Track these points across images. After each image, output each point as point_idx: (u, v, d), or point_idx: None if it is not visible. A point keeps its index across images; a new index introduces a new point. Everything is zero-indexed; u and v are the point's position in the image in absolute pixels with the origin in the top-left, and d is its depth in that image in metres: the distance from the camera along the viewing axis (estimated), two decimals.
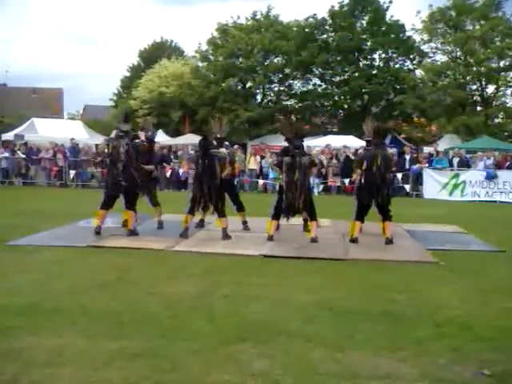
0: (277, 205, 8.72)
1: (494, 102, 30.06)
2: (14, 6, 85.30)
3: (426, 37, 30.71)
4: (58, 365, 3.61)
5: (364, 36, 32.16)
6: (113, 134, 9.03)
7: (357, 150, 19.85)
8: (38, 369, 3.54)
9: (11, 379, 3.39)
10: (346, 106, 33.48)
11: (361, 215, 8.75)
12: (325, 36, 32.82)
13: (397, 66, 32.58)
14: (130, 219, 8.92)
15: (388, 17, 32.25)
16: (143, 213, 10.15)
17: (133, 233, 8.79)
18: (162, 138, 27.05)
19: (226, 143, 9.85)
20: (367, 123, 9.53)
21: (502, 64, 29.25)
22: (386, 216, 8.63)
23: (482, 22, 28.96)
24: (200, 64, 34.99)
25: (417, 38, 31.42)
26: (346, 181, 18.82)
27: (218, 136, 9.41)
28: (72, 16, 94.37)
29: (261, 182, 20.53)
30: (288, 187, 8.46)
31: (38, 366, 3.58)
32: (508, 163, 19.34)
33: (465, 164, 19.54)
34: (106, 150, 9.33)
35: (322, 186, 19.50)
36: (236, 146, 17.35)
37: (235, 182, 10.97)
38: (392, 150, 19.19)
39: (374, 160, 8.50)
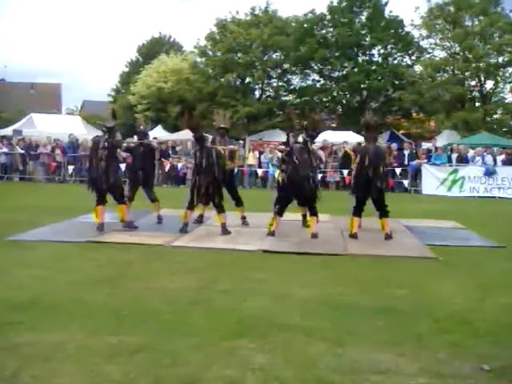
0: (277, 201, 8.73)
1: (493, 98, 30.08)
2: (15, 1, 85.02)
3: (424, 32, 30.77)
4: (59, 360, 3.61)
5: (363, 31, 32.16)
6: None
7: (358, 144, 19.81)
8: (39, 364, 3.54)
9: (12, 374, 3.39)
10: (344, 102, 33.47)
11: (358, 211, 8.73)
12: (324, 31, 32.82)
13: (395, 61, 32.59)
14: (122, 212, 8.89)
15: (387, 12, 32.35)
16: (142, 208, 10.15)
17: (130, 225, 8.75)
18: (160, 133, 27.04)
19: (234, 141, 9.95)
20: (366, 117, 9.38)
21: (500, 60, 29.28)
22: (383, 212, 8.62)
23: (481, 18, 28.96)
24: (198, 59, 34.97)
25: (416, 33, 31.54)
26: (345, 172, 18.80)
27: (222, 126, 9.46)
28: (71, 11, 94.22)
29: (260, 170, 20.51)
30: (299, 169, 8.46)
31: (39, 361, 3.57)
32: (506, 158, 19.36)
33: (464, 160, 19.55)
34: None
35: (320, 176, 19.42)
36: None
37: (234, 177, 10.94)
38: (392, 145, 19.17)
39: (366, 154, 8.48)
